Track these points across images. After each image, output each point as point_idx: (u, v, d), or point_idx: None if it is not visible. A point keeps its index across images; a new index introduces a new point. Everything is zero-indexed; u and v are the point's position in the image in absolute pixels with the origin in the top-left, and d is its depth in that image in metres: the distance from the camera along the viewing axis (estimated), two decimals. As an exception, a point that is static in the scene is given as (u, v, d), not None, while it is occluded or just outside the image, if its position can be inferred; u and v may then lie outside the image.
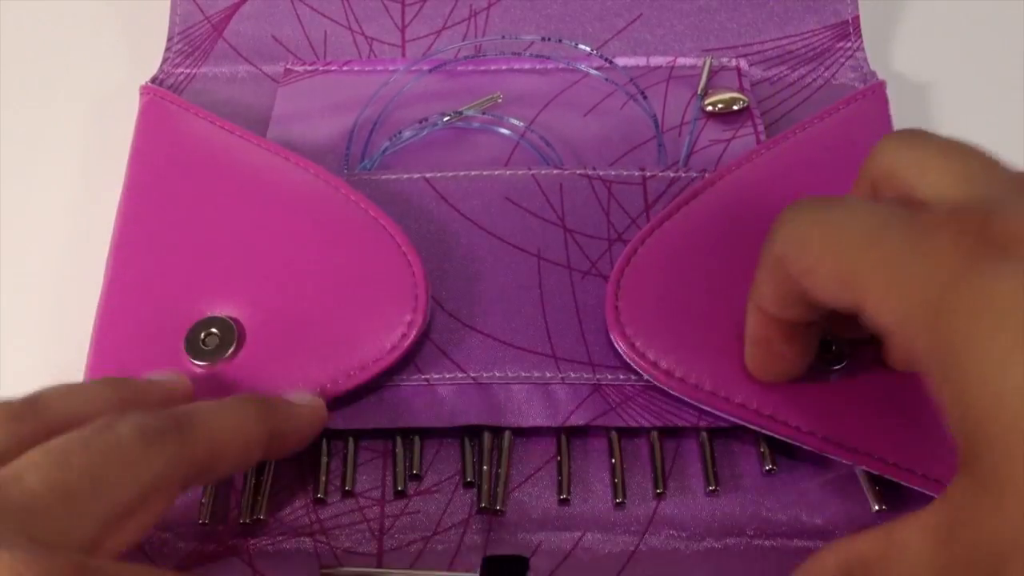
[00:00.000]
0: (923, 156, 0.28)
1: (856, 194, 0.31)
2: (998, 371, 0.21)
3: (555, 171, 0.39)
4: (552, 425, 0.35)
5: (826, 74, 0.44)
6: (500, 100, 0.42)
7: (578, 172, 0.39)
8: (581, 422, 0.35)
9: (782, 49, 0.45)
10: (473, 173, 0.39)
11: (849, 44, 0.45)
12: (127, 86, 0.44)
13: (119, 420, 0.27)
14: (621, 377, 0.35)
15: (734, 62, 0.44)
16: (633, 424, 0.35)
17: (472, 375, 0.35)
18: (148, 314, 0.36)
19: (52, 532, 0.24)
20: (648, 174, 0.39)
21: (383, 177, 0.39)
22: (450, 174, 0.39)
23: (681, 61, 0.44)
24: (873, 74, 0.44)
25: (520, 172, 0.39)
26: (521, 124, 0.41)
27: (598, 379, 0.35)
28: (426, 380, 0.35)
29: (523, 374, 0.35)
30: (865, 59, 0.44)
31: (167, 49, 0.45)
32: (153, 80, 0.44)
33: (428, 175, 0.39)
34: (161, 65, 0.45)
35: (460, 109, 0.41)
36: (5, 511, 0.24)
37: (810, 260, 0.27)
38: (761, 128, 0.41)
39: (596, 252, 0.38)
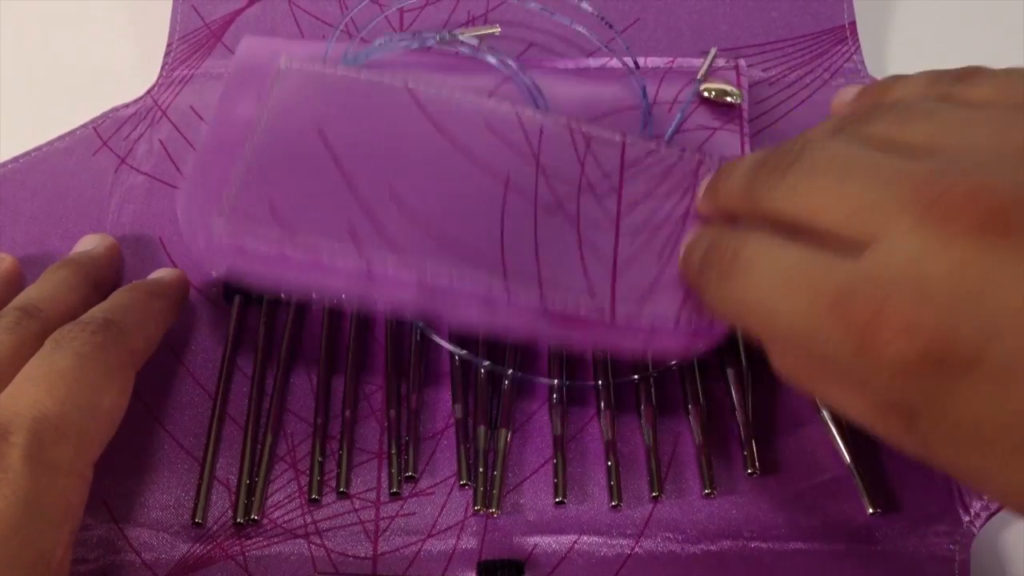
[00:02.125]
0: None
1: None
2: None
3: (539, 114, 0.38)
4: (487, 331, 0.34)
5: (824, 75, 0.44)
6: (497, 33, 0.42)
7: (561, 121, 0.38)
8: (520, 335, 0.33)
9: (781, 52, 0.45)
10: (458, 93, 0.38)
11: (847, 48, 0.45)
12: (127, 91, 0.45)
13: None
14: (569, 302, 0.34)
15: (733, 61, 0.44)
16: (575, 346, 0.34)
17: (418, 273, 0.33)
18: None
19: None
20: (629, 140, 0.38)
21: (363, 77, 0.38)
22: (433, 89, 0.38)
23: (680, 62, 0.44)
24: (870, 77, 0.44)
25: (505, 105, 0.38)
26: (514, 65, 0.41)
27: (545, 305, 0.33)
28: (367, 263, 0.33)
29: (469, 282, 0.33)
30: (862, 62, 0.44)
31: (166, 55, 0.46)
32: (153, 86, 0.45)
33: (411, 85, 0.38)
34: (160, 70, 0.45)
35: (456, 32, 0.41)
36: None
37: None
38: (747, 129, 0.40)
39: (566, 195, 0.36)
